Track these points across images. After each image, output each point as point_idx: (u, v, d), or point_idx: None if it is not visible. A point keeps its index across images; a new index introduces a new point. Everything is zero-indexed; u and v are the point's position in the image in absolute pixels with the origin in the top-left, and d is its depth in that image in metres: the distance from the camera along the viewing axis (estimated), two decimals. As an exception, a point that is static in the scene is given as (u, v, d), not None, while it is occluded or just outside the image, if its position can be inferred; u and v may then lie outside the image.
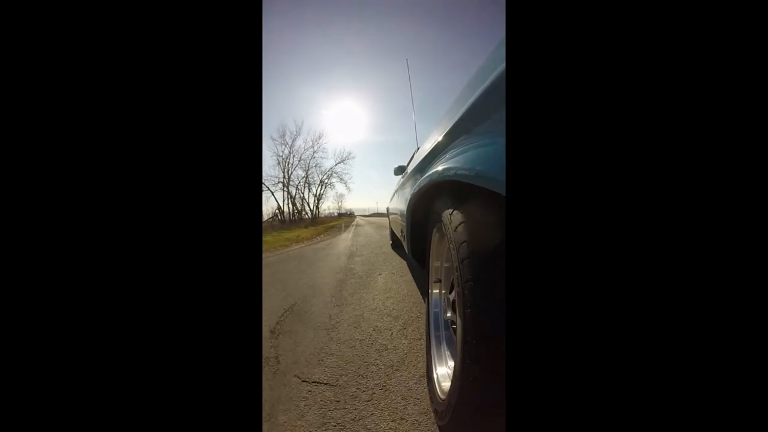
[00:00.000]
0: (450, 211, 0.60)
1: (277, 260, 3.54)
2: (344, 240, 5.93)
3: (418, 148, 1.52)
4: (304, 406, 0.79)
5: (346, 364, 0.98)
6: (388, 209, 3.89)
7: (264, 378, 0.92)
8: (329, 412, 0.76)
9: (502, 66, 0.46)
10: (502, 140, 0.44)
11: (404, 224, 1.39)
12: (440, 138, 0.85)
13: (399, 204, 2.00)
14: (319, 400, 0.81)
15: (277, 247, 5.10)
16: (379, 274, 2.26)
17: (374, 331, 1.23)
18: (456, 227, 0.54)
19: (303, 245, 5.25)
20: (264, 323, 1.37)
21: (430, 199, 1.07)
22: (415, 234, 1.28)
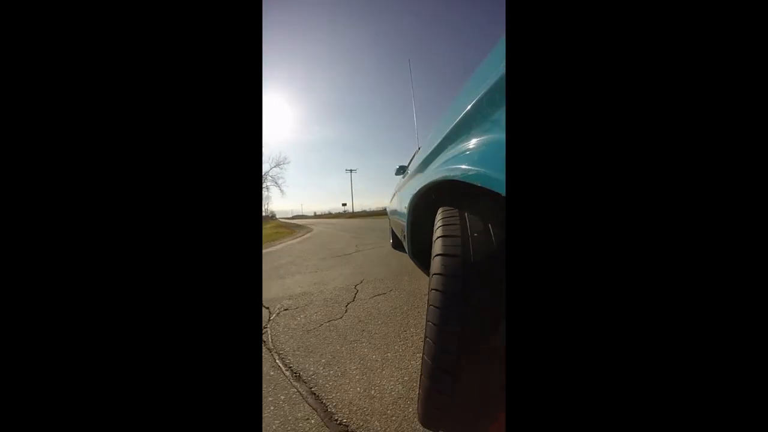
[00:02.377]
0: (436, 225, 0.59)
1: (310, 236, 6.83)
2: (325, 230, 9.09)
3: (419, 148, 1.53)
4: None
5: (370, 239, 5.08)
6: (387, 209, 3.90)
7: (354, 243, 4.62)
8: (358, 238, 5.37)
9: (503, 65, 0.46)
10: (502, 140, 0.44)
11: (405, 225, 1.39)
12: (440, 138, 0.85)
13: (399, 204, 1.99)
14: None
15: (288, 234, 7.94)
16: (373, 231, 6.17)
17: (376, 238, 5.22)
18: (433, 245, 0.53)
19: (301, 235, 7.53)
20: (351, 243, 4.53)
21: (430, 200, 1.07)
22: (415, 235, 1.28)
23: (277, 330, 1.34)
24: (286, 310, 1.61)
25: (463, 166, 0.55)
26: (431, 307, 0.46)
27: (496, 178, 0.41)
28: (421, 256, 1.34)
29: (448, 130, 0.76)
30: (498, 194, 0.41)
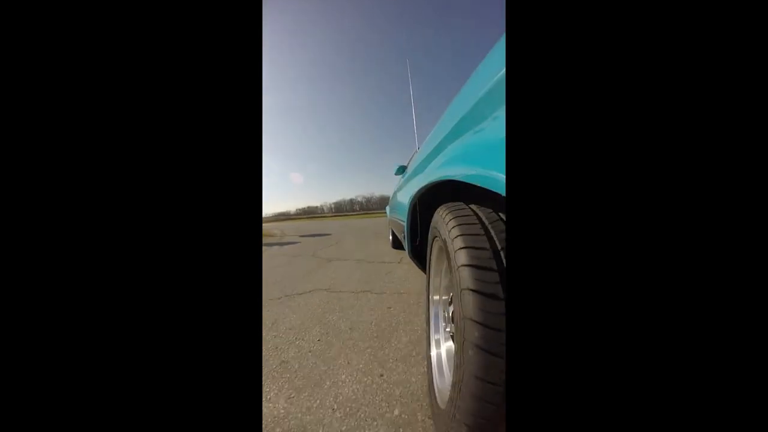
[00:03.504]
0: (449, 231, 0.54)
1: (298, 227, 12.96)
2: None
3: (418, 149, 1.53)
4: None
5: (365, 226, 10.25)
6: (387, 210, 3.89)
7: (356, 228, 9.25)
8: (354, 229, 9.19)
9: (502, 65, 0.46)
10: (502, 140, 0.44)
11: (404, 225, 1.39)
12: (439, 138, 0.85)
13: (399, 204, 1.99)
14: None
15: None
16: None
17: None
18: (457, 260, 0.48)
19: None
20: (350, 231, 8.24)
21: (429, 201, 1.07)
22: (414, 236, 1.28)
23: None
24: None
25: (463, 166, 0.55)
26: (473, 323, 0.41)
27: (496, 178, 0.41)
28: (421, 257, 1.35)
29: (447, 130, 0.76)
30: (498, 194, 0.41)
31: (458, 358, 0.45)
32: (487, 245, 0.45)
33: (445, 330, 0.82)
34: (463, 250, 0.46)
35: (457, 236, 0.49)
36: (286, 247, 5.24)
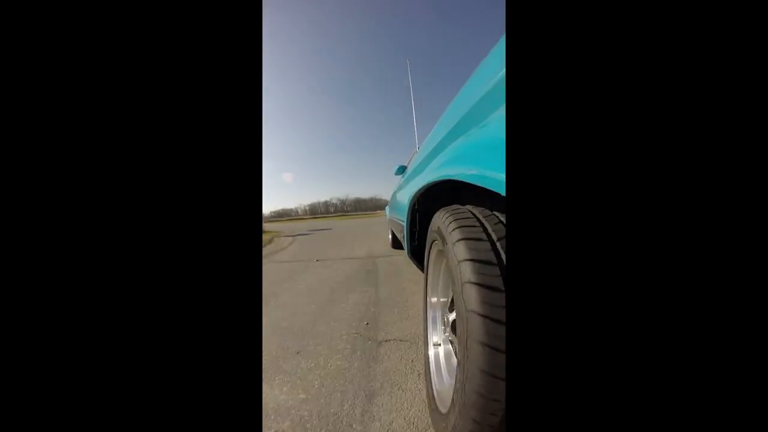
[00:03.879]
0: (450, 232, 0.53)
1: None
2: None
3: (418, 149, 1.53)
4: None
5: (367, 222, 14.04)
6: (387, 210, 3.90)
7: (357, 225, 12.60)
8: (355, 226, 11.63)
9: (502, 65, 0.46)
10: (502, 139, 0.44)
11: (404, 225, 1.39)
12: (439, 138, 0.85)
13: (398, 205, 1.99)
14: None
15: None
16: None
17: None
18: (460, 264, 0.47)
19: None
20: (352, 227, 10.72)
21: (429, 201, 1.07)
22: (414, 236, 1.28)
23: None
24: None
25: (463, 166, 0.55)
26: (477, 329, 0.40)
27: (496, 178, 0.41)
28: (420, 256, 1.35)
29: (447, 130, 0.76)
30: (498, 194, 0.41)
31: (461, 351, 0.45)
32: (497, 267, 0.44)
33: (443, 333, 0.82)
34: (467, 262, 0.45)
35: (469, 270, 0.46)
36: (307, 236, 7.76)
